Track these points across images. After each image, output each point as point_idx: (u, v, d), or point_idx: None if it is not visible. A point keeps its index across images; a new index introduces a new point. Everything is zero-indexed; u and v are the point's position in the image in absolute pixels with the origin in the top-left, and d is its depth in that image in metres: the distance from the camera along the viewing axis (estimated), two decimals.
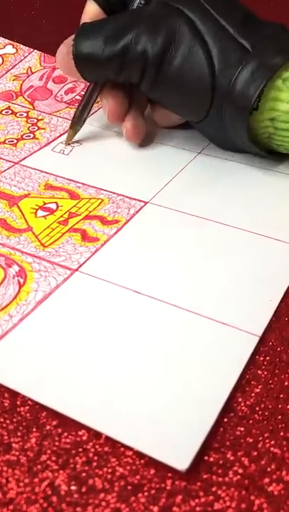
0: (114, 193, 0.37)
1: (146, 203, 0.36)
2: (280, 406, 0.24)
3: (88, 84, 0.41)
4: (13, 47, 0.55)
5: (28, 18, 0.66)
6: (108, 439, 0.23)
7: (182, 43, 0.36)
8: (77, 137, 0.44)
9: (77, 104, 0.48)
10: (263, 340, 0.27)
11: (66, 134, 0.43)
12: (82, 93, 0.50)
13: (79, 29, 0.38)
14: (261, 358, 0.26)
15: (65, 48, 0.38)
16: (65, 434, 0.23)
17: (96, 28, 0.37)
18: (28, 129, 0.45)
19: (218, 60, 0.35)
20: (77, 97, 0.49)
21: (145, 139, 0.42)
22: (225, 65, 0.35)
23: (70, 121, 0.46)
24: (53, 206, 0.36)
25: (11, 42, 0.56)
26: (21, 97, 0.50)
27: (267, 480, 0.21)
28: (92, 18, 0.39)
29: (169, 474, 0.21)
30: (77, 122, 0.42)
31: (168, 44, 0.36)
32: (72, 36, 0.38)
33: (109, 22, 0.38)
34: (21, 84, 0.51)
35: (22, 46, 0.55)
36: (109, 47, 0.36)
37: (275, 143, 0.38)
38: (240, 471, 0.22)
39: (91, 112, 0.47)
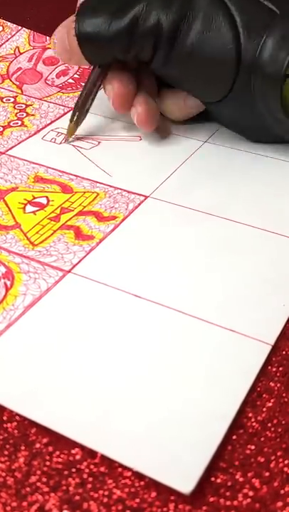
0: (111, 186, 0.37)
1: (146, 197, 0.36)
2: None
3: (91, 70, 0.40)
4: None
5: None
6: (104, 458, 0.23)
7: (200, 9, 0.35)
8: None
9: (70, 89, 0.48)
10: (275, 349, 0.27)
11: (60, 123, 0.43)
12: (76, 76, 0.50)
13: (80, 7, 0.37)
14: (274, 369, 0.26)
15: (64, 29, 0.38)
16: (57, 452, 0.23)
17: (99, 3, 0.37)
18: (16, 115, 0.45)
19: (242, 26, 0.35)
20: (70, 81, 0.50)
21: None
22: (250, 30, 0.35)
23: (63, 107, 0.46)
24: (44, 201, 0.36)
25: None
26: (8, 81, 0.50)
27: (280, 504, 0.21)
28: None
29: (172, 497, 0.21)
30: (79, 114, 0.41)
31: (184, 11, 0.35)
32: (72, 17, 0.38)
33: None
34: (8, 66, 0.51)
35: (9, 23, 0.55)
36: (116, 21, 0.36)
37: None
38: (251, 493, 0.22)
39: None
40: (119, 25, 0.36)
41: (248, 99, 0.37)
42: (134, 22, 0.35)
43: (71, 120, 0.41)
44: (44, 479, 0.22)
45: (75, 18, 0.37)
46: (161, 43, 0.36)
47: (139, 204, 0.36)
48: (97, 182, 0.38)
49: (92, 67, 0.40)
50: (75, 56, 0.38)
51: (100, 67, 0.40)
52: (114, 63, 0.39)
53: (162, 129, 0.42)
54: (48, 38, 0.54)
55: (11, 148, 0.41)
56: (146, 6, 0.35)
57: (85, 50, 0.38)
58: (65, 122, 0.44)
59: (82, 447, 0.23)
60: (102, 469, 0.22)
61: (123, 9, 0.36)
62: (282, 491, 0.22)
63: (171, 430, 0.23)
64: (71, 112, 0.42)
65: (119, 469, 0.22)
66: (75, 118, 0.41)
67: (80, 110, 0.41)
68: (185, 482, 0.21)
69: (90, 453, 0.23)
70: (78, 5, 0.39)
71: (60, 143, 0.42)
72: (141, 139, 0.42)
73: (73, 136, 0.42)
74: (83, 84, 0.41)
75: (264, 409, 0.24)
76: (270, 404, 0.25)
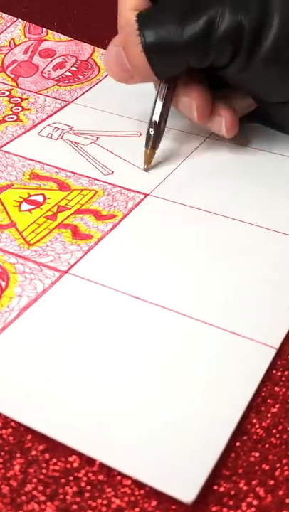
0: (109, 183, 0.37)
1: (146, 195, 0.36)
2: None
3: (158, 86, 0.38)
4: None
5: None
6: (103, 466, 0.22)
7: (277, 6, 0.34)
8: (68, 121, 0.44)
9: (67, 82, 0.48)
10: (280, 353, 0.27)
11: (57, 118, 0.43)
12: (74, 69, 0.50)
13: (138, 18, 0.35)
14: (279, 373, 0.26)
15: (117, 48, 0.36)
16: (54, 460, 0.23)
17: (161, 10, 0.35)
18: (11, 109, 0.45)
19: None
20: (68, 74, 0.49)
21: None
22: None
23: (60, 101, 0.46)
24: (40, 198, 0.36)
25: None
26: (3, 73, 0.50)
27: None
28: (136, 8, 0.36)
29: (173, 507, 0.21)
30: (155, 137, 0.38)
31: (263, 11, 0.33)
32: (124, 34, 0.36)
33: (175, 0, 0.35)
34: (3, 59, 0.51)
35: (4, 15, 0.55)
36: (188, 26, 0.33)
37: None
38: (255, 502, 0.22)
39: (82, 92, 0.47)
40: (194, 29, 0.33)
41: None
42: (211, 25, 0.33)
43: (147, 146, 0.38)
44: (40, 488, 0.22)
45: (138, 31, 0.34)
46: (242, 46, 0.34)
47: (139, 202, 0.36)
48: (96, 179, 0.38)
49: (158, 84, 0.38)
50: (139, 73, 0.36)
51: (166, 81, 0.37)
52: (183, 73, 0.37)
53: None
54: (44, 29, 0.54)
55: (5, 144, 0.41)
56: (221, 8, 0.33)
57: (155, 63, 0.35)
58: (62, 117, 0.44)
59: (80, 455, 0.23)
60: (100, 477, 0.22)
61: (193, 13, 0.33)
62: (287, 500, 0.22)
63: (172, 437, 0.23)
64: (145, 138, 0.39)
65: (118, 477, 0.22)
66: (151, 143, 0.38)
67: (156, 132, 0.38)
68: (186, 491, 0.21)
69: (88, 460, 0.23)
70: (120, 25, 0.37)
71: (53, 137, 0.42)
72: (141, 135, 0.42)
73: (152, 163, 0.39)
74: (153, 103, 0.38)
75: (269, 414, 0.24)
76: (275, 410, 0.25)
